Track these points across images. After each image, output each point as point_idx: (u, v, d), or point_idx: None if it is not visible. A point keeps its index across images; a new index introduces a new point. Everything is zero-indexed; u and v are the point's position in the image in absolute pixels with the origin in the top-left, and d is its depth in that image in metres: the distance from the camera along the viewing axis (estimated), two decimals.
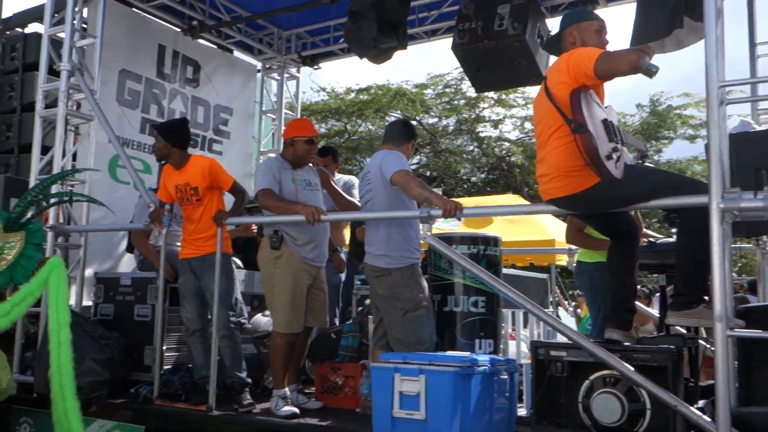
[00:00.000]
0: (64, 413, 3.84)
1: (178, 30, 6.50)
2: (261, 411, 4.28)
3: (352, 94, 20.70)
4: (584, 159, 3.06)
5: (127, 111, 5.99)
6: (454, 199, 3.96)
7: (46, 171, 5.28)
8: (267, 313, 5.43)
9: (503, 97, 19.15)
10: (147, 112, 6.16)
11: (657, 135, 19.16)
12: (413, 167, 20.51)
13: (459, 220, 3.63)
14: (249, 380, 4.47)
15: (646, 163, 4.27)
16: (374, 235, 4.03)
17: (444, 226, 6.62)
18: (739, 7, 4.74)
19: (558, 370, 3.37)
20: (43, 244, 4.25)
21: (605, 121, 3.14)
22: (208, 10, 6.54)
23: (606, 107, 3.29)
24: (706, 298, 3.10)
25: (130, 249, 5.46)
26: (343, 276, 5.46)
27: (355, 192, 5.01)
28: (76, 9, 5.30)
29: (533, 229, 8.66)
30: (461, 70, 7.31)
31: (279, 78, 7.42)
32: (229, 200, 4.60)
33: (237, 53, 7.28)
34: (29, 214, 4.14)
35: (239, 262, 5.40)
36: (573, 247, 5.15)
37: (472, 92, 19.64)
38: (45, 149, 5.39)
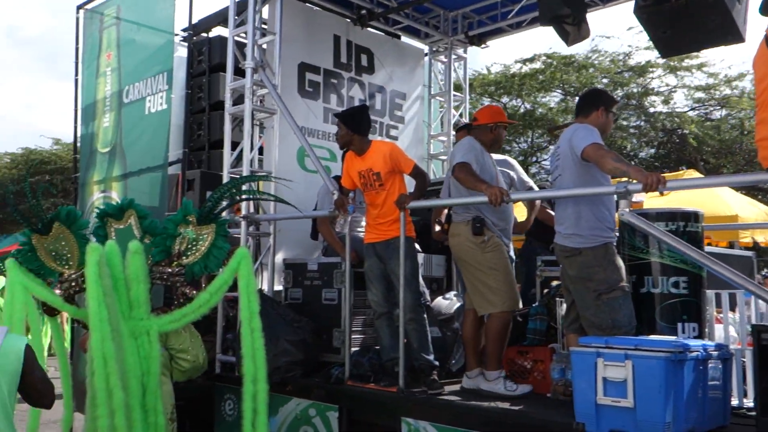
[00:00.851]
0: (252, 396, 4.07)
1: (349, 20, 6.64)
2: (449, 393, 4.30)
3: (516, 67, 20.22)
4: None
5: (309, 102, 6.21)
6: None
7: (234, 164, 5.62)
8: (448, 296, 5.44)
9: (675, 63, 17.79)
10: (328, 102, 6.37)
11: None
12: None
13: (662, 194, 3.37)
14: (437, 363, 4.48)
15: None
16: (563, 214, 3.86)
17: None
18: None
19: None
20: (229, 235, 4.44)
21: None
22: None
23: None
24: None
25: (314, 236, 5.67)
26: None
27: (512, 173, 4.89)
28: (256, 9, 5.56)
29: (714, 204, 7.92)
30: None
31: (446, 60, 7.36)
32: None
33: (404, 39, 7.31)
34: (219, 209, 4.36)
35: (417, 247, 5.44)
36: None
37: (639, 62, 18.56)
38: (233, 145, 5.73)
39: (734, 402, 3.64)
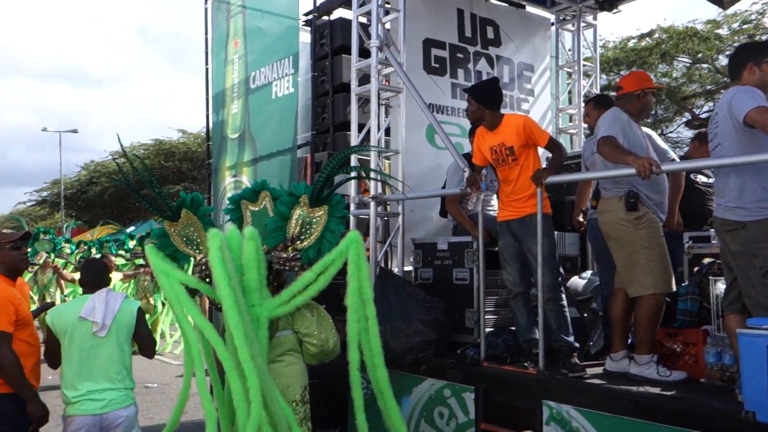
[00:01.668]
0: (376, 382, 4.05)
1: None
2: (591, 376, 4.10)
3: (633, 41, 19.18)
4: None
5: (436, 78, 6.12)
6: None
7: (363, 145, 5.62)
8: (584, 275, 5.21)
9: None
10: (455, 77, 6.25)
11: None
12: (705, 117, 18.52)
13: None
14: (577, 344, 4.29)
15: None
16: (725, 185, 3.53)
17: None
18: None
19: None
20: (345, 216, 4.29)
21: None
22: None
23: None
24: None
25: (443, 214, 5.58)
26: None
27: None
28: None
29: None
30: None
31: (574, 29, 7.02)
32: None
33: (529, 8, 7.03)
34: (330, 189, 4.17)
35: None
36: None
37: None
38: (359, 126, 5.72)
39: None
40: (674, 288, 4.11)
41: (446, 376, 4.66)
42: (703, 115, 19.17)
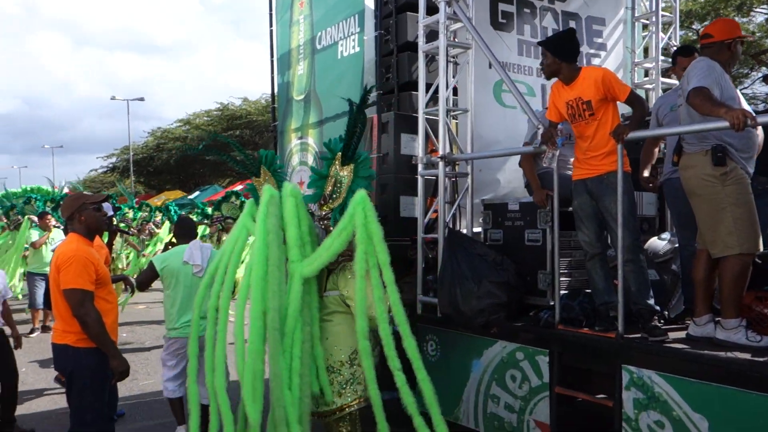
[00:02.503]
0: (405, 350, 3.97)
1: None
2: (673, 340, 3.93)
3: None
4: None
5: (503, 34, 5.90)
6: None
7: (430, 105, 5.48)
8: (663, 236, 4.98)
9: None
10: (522, 33, 6.01)
11: None
12: None
13: None
14: (657, 308, 4.12)
15: None
16: None
17: None
18: None
19: None
20: (371, 176, 4.22)
21: None
22: None
23: None
24: None
25: None
26: None
27: None
28: None
29: None
30: None
31: None
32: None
33: None
34: (352, 147, 4.12)
35: None
36: None
37: None
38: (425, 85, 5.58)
39: None
40: (761, 248, 3.88)
41: (519, 338, 4.56)
42: None
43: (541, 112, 4.95)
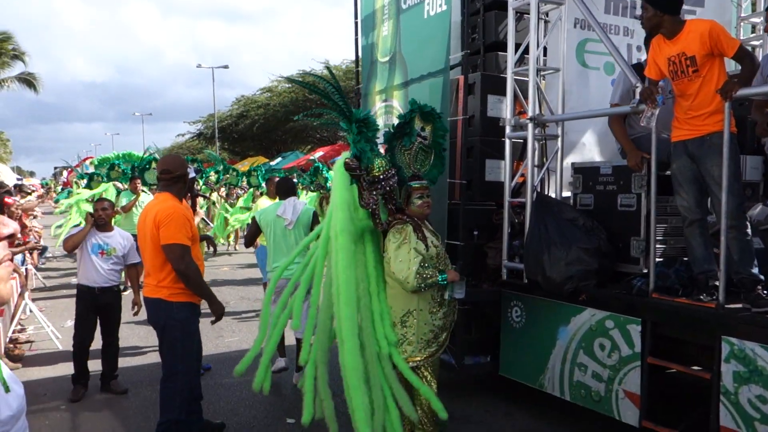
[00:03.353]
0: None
1: None
2: None
3: None
4: None
5: None
6: None
7: (519, 64, 5.31)
8: None
9: None
10: None
11: None
12: None
13: None
14: (761, 277, 3.88)
15: None
16: None
17: None
18: None
19: None
20: (370, 139, 4.23)
21: None
22: None
23: None
24: None
25: None
26: None
27: None
28: None
29: None
30: None
31: None
32: None
33: None
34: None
35: None
36: None
37: None
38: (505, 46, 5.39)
39: None
40: None
41: (609, 306, 4.41)
42: None
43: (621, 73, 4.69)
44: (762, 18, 6.08)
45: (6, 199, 7.89)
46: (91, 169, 19.27)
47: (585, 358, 4.56)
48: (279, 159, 30.63)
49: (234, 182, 16.29)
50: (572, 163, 5.22)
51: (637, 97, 4.25)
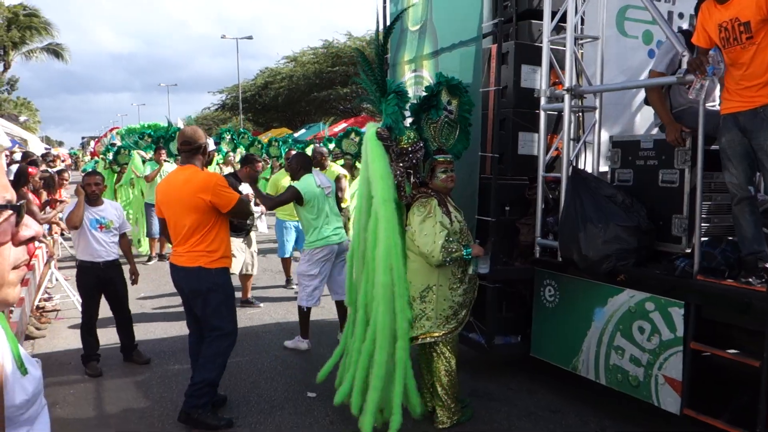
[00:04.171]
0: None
1: None
2: None
3: None
4: None
5: None
6: None
7: (554, 33, 5.05)
8: None
9: None
10: None
11: None
12: None
13: None
14: None
15: None
16: None
17: None
18: None
19: None
20: (393, 112, 4.31)
21: None
22: None
23: None
24: None
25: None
26: None
27: None
28: None
29: None
30: None
31: None
32: None
33: None
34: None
35: None
36: None
37: None
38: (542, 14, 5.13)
39: None
40: None
41: (650, 287, 4.21)
42: None
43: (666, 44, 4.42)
44: None
45: (30, 170, 7.84)
46: (118, 139, 19.35)
47: (622, 341, 4.38)
48: (303, 131, 30.49)
49: (258, 153, 16.22)
50: (610, 137, 4.98)
51: (684, 66, 3.99)
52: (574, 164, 4.99)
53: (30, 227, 1.25)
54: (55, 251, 9.33)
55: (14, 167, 9.50)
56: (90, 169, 8.08)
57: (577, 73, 4.95)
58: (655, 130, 5.28)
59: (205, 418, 4.45)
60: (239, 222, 6.05)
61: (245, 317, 7.38)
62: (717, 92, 4.40)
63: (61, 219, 8.11)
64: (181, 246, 4.52)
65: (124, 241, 5.99)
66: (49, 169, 11.30)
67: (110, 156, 14.96)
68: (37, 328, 7.01)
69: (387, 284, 4.09)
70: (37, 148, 17.63)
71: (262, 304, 8.04)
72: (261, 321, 7.40)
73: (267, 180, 12.84)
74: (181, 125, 13.92)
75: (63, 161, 28.04)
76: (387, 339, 4.11)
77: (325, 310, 7.23)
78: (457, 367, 4.47)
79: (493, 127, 5.20)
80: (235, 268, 7.18)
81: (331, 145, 15.42)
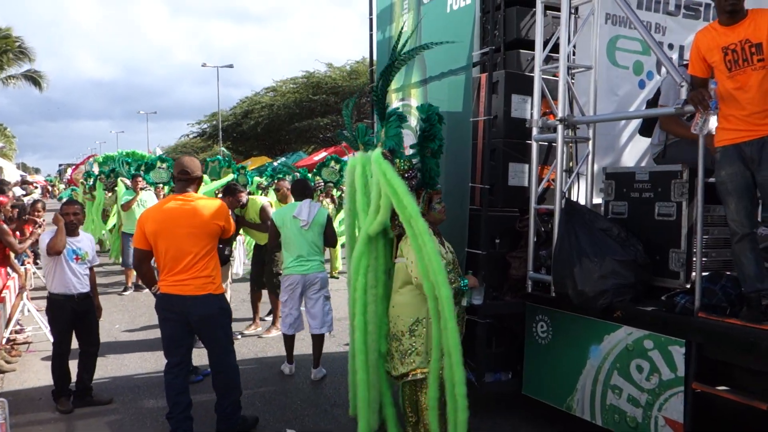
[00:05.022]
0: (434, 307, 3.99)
1: None
2: None
3: None
4: None
5: None
6: None
7: (544, 63, 4.95)
8: None
9: None
10: None
11: None
12: None
13: None
14: None
15: None
16: None
17: None
18: None
19: None
20: (395, 134, 4.36)
21: None
22: None
23: None
24: None
25: (646, 132, 4.88)
26: None
27: None
28: None
29: None
30: None
31: None
32: None
33: None
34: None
35: None
36: None
37: None
38: (531, 44, 5.06)
39: None
40: None
41: (648, 325, 4.06)
42: None
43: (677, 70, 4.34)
44: None
45: (0, 198, 7.55)
46: (96, 167, 19.02)
47: (620, 380, 4.21)
48: (282, 159, 30.28)
49: (244, 182, 16.02)
50: (603, 168, 4.87)
51: (682, 97, 3.90)
52: (567, 196, 4.85)
53: None
54: (27, 282, 9.01)
55: None
56: (66, 198, 7.82)
57: (570, 103, 4.84)
58: (646, 161, 5.20)
59: (248, 427, 4.95)
60: (225, 255, 6.14)
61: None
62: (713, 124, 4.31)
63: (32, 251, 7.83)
64: (183, 274, 4.51)
65: (92, 274, 5.75)
66: (25, 198, 11.00)
67: (90, 182, 14.68)
68: (8, 362, 6.71)
69: (450, 297, 3.93)
70: (12, 175, 17.26)
71: (240, 336, 7.77)
72: (239, 354, 7.12)
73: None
74: (159, 152, 13.70)
75: (35, 188, 27.49)
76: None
77: (305, 343, 6.98)
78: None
79: (483, 157, 5.07)
80: None
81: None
